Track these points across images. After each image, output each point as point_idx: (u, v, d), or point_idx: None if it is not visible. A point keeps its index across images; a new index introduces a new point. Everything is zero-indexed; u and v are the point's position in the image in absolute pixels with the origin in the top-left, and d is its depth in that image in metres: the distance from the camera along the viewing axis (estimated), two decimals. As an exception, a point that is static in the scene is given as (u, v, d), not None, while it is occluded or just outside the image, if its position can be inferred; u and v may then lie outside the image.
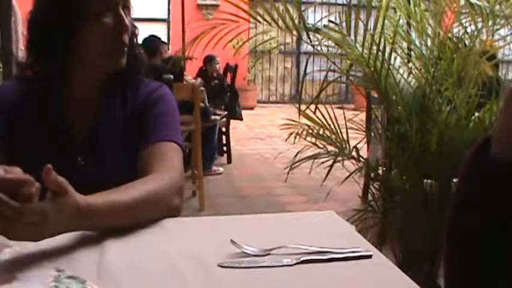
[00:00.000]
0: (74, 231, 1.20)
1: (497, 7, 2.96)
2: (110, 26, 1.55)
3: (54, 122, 1.64)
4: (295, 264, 1.12)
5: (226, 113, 7.38)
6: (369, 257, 1.18)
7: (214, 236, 1.28)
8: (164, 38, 11.30)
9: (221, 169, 6.96)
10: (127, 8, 1.60)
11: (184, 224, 1.37)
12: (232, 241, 1.16)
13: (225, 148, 7.53)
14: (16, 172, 1.13)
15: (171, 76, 4.23)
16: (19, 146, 1.61)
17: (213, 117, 6.85)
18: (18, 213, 1.05)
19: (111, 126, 1.65)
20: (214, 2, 13.69)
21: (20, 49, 5.35)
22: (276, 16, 3.14)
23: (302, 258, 1.14)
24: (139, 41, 1.79)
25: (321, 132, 3.36)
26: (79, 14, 1.54)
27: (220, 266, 1.11)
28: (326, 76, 3.14)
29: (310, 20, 3.43)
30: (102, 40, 1.56)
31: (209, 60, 7.51)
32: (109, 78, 1.67)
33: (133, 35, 1.69)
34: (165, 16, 14.09)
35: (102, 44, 1.56)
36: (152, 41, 6.13)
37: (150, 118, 1.64)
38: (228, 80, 7.72)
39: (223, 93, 7.36)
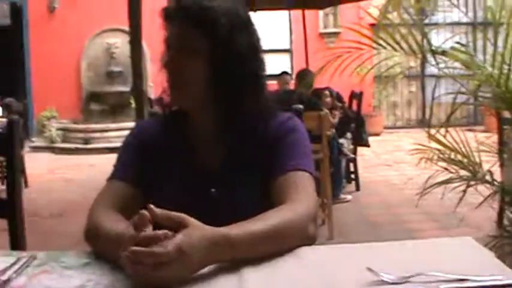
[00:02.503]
0: (214, 264, 1.24)
1: None
2: (165, 63, 1.65)
3: (188, 153, 1.71)
4: (434, 292, 1.10)
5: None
6: (513, 284, 1.13)
7: (349, 264, 1.28)
8: (287, 69, 11.47)
9: (349, 197, 6.91)
10: (194, 51, 1.62)
11: (319, 252, 1.37)
12: (368, 268, 1.16)
13: (353, 175, 7.48)
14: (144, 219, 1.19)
15: (301, 106, 4.30)
16: (155, 178, 1.70)
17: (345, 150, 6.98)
18: (156, 256, 1.12)
19: (242, 158, 1.69)
20: (335, 30, 13.71)
21: (149, 86, 5.60)
22: (400, 40, 3.12)
23: (441, 286, 1.11)
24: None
25: (452, 156, 3.27)
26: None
27: (358, 294, 1.11)
28: (455, 98, 3.07)
29: (434, 42, 3.38)
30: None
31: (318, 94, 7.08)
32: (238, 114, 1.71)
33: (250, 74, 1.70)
34: (287, 47, 14.25)
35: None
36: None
37: (283, 148, 1.66)
38: (354, 107, 7.67)
39: (348, 123, 7.31)
